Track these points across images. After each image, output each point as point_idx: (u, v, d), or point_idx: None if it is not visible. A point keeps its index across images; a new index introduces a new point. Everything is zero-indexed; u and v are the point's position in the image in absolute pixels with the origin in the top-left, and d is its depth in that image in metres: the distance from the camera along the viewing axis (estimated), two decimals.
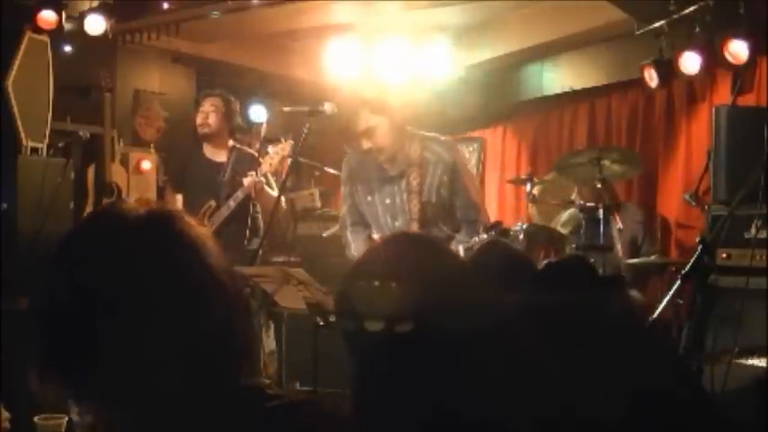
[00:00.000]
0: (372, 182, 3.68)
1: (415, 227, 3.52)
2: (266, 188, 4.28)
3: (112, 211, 1.12)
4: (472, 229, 3.53)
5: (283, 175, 4.27)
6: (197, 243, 1.09)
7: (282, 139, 4.16)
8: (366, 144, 3.53)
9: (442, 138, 3.72)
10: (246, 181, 4.21)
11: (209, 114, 4.56)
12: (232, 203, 4.28)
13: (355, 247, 3.73)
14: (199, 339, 1.04)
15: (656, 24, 4.68)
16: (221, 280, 1.09)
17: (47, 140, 4.90)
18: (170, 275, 1.04)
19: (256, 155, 4.51)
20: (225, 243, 3.94)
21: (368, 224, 3.76)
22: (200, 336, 1.04)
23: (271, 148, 4.21)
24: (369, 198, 3.69)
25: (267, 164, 4.19)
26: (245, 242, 4.28)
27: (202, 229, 1.12)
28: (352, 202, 3.79)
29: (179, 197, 4.71)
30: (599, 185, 4.45)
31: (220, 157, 4.55)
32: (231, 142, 4.60)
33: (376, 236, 3.70)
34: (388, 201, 3.63)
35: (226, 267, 1.11)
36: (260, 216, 4.44)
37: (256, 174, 4.21)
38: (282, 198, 4.53)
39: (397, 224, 3.60)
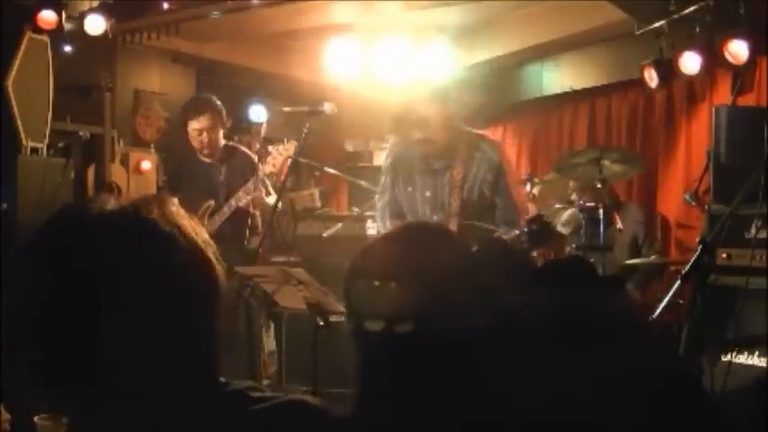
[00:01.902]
0: (415, 173, 3.65)
1: (454, 222, 3.50)
2: (266, 200, 4.26)
3: (88, 207, 1.07)
4: (510, 230, 3.50)
5: (282, 176, 4.26)
6: (182, 235, 1.05)
7: (285, 140, 4.13)
8: (419, 133, 3.51)
9: (491, 138, 3.71)
10: (244, 198, 4.19)
11: (209, 136, 4.41)
12: (233, 203, 4.26)
13: None
14: (181, 339, 1.02)
15: (656, 24, 4.68)
16: (206, 275, 1.06)
17: (47, 140, 4.90)
18: (153, 274, 1.01)
19: (250, 153, 4.48)
20: (224, 242, 3.94)
21: (406, 217, 3.71)
22: (183, 336, 1.02)
23: (273, 148, 4.17)
24: (409, 189, 3.66)
25: (270, 164, 4.15)
26: (246, 242, 4.27)
27: (186, 220, 1.08)
28: (392, 193, 3.74)
29: (174, 200, 4.67)
30: (599, 185, 4.45)
31: (215, 157, 4.51)
32: (223, 141, 4.56)
33: None
34: (428, 193, 3.60)
35: (215, 260, 1.08)
36: (258, 215, 4.43)
37: (257, 178, 4.18)
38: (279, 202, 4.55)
39: (435, 218, 3.56)
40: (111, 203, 1.05)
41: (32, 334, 1.01)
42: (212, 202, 4.32)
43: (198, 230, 1.09)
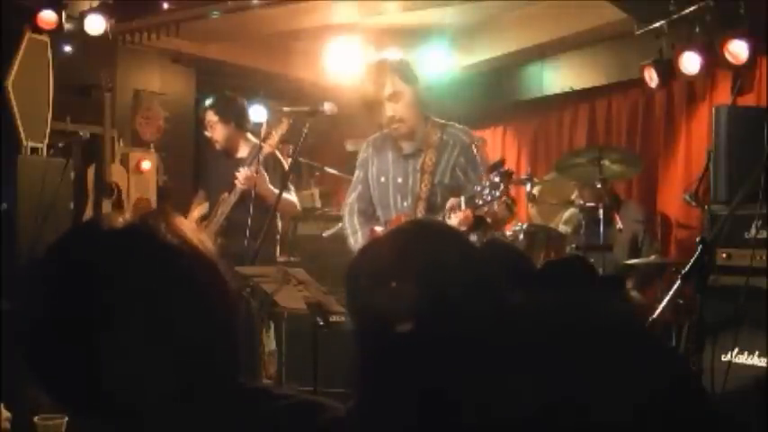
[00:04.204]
0: (388, 160, 3.65)
1: (422, 207, 3.49)
2: (269, 186, 4.30)
3: (94, 227, 1.10)
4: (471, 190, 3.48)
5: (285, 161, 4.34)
6: (188, 246, 1.06)
7: (283, 119, 4.18)
8: (389, 110, 3.49)
9: (460, 125, 3.69)
10: (240, 175, 4.26)
11: (213, 131, 4.63)
12: (237, 190, 4.34)
13: (362, 234, 3.69)
14: (200, 343, 1.03)
15: (656, 24, 4.68)
16: (219, 281, 1.08)
17: (47, 140, 4.90)
18: (165, 282, 1.02)
19: (277, 153, 4.50)
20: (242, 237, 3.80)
21: (373, 214, 3.71)
22: (202, 339, 1.03)
23: (273, 131, 4.25)
24: (382, 179, 3.64)
25: (268, 145, 4.25)
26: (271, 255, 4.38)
27: (194, 230, 1.10)
28: (363, 188, 3.74)
29: (201, 192, 4.87)
30: (599, 185, 4.45)
31: (240, 153, 4.62)
32: (253, 138, 4.62)
33: (379, 228, 3.67)
34: (399, 180, 3.59)
35: (221, 266, 1.10)
36: (278, 216, 4.53)
37: (258, 162, 4.25)
38: (296, 200, 4.62)
39: (405, 204, 3.55)
40: (119, 221, 1.07)
41: (41, 347, 1.01)
42: (227, 195, 4.43)
43: (202, 239, 1.11)
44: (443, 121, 3.63)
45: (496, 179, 3.13)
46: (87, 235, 1.08)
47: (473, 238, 3.35)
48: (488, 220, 3.36)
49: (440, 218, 3.36)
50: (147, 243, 1.05)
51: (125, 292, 1.00)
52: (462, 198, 3.26)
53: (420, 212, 3.48)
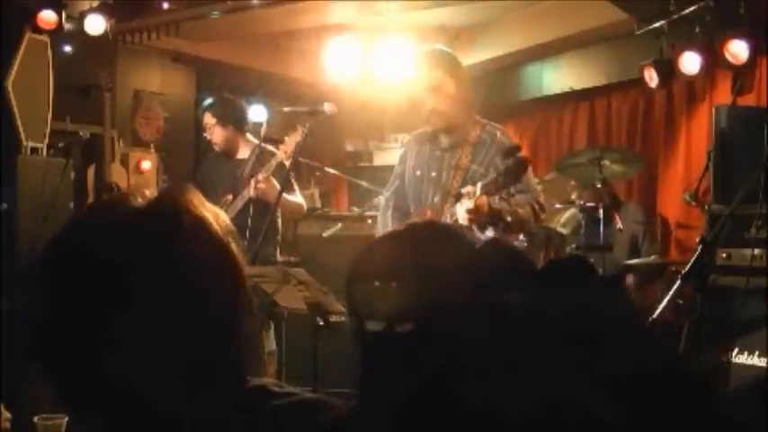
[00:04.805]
0: (425, 154, 3.59)
1: (450, 203, 3.39)
2: (272, 179, 4.27)
3: (113, 204, 1.07)
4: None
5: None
6: (205, 229, 1.04)
7: (298, 126, 4.15)
8: (430, 103, 3.44)
9: (502, 127, 3.64)
10: (252, 185, 4.22)
11: (212, 133, 4.59)
12: (245, 194, 4.29)
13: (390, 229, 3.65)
14: (210, 336, 1.01)
15: (656, 24, 4.69)
16: (234, 268, 1.06)
17: (47, 140, 4.90)
18: (179, 270, 1.00)
19: (276, 151, 4.48)
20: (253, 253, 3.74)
21: (408, 211, 3.65)
22: (209, 333, 1.02)
23: (286, 137, 4.21)
24: (418, 172, 3.58)
25: (282, 152, 4.20)
26: (271, 256, 4.36)
27: (210, 212, 1.07)
28: (400, 183, 3.68)
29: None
30: (599, 185, 4.45)
31: (241, 154, 4.58)
32: (253, 138, 4.59)
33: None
34: (434, 174, 3.52)
35: (236, 259, 1.07)
36: (280, 215, 4.50)
37: (267, 168, 4.22)
38: (303, 201, 4.59)
39: (436, 200, 3.49)
40: (137, 200, 1.03)
41: (51, 333, 1.00)
42: (230, 197, 4.37)
43: (220, 220, 1.07)
44: (485, 121, 3.58)
45: (512, 165, 3.02)
46: (100, 222, 1.05)
47: (489, 234, 3.29)
48: (509, 218, 3.28)
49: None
50: (167, 227, 1.01)
51: (144, 278, 0.97)
52: (479, 185, 3.17)
53: (448, 208, 3.42)
